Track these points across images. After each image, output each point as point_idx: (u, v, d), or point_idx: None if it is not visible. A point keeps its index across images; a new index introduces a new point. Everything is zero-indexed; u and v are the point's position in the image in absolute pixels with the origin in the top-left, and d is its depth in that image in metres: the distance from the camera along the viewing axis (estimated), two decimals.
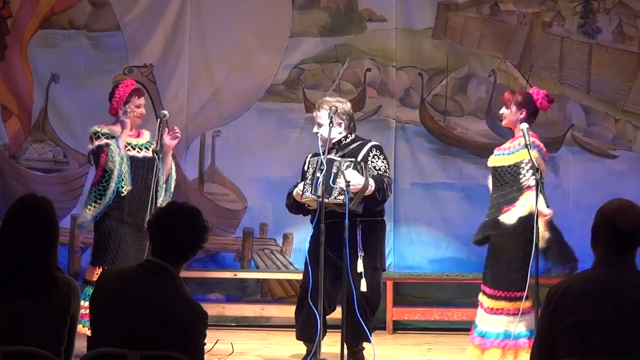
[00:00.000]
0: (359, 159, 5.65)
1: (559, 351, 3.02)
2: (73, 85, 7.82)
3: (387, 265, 7.61)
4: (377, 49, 7.74)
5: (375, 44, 7.74)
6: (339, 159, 5.63)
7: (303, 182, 5.69)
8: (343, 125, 5.79)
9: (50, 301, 3.25)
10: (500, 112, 5.71)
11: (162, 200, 5.86)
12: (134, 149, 5.93)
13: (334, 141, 5.73)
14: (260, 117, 7.77)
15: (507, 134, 7.55)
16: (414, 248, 7.70)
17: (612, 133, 7.64)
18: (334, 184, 5.53)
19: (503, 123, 5.72)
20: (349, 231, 5.42)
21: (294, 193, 5.74)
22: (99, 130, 5.91)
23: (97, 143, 5.88)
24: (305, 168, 5.80)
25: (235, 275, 7.68)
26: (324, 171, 5.44)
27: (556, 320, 3.03)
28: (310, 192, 5.56)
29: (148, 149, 5.97)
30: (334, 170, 5.55)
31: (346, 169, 5.54)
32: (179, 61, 7.78)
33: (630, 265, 3.10)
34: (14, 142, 7.87)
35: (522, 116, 5.59)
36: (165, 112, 5.87)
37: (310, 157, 5.82)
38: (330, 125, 5.59)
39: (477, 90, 7.73)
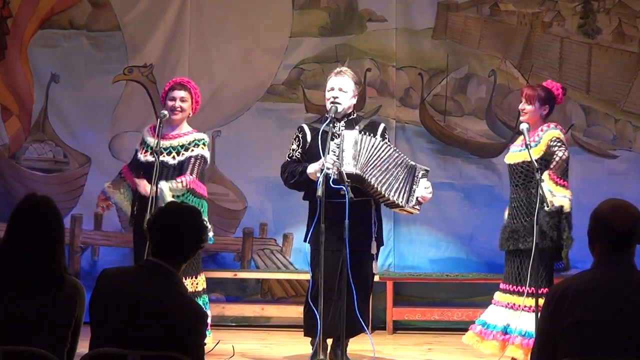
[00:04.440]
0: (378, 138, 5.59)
1: (559, 351, 3.02)
2: (73, 85, 7.81)
3: (387, 265, 7.64)
4: (377, 49, 7.74)
5: (375, 44, 7.74)
6: (417, 164, 5.67)
7: (326, 158, 5.39)
8: (355, 98, 5.76)
9: (55, 302, 3.24)
10: (521, 107, 5.57)
11: None
12: (165, 152, 5.86)
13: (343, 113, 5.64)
14: (260, 117, 7.77)
15: (508, 134, 7.59)
16: (414, 248, 7.69)
17: (612, 133, 7.64)
18: (410, 191, 5.55)
19: (524, 118, 5.52)
20: (363, 212, 5.38)
21: (314, 171, 5.49)
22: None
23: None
24: (310, 140, 5.65)
25: (235, 275, 7.67)
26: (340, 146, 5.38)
27: (556, 320, 3.03)
28: (353, 166, 5.37)
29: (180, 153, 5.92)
30: (412, 175, 5.59)
31: (422, 177, 5.62)
32: (179, 61, 7.77)
33: (629, 264, 3.10)
34: (14, 142, 7.86)
35: (545, 112, 5.52)
36: (165, 112, 5.86)
37: (309, 128, 5.71)
38: (332, 124, 5.52)
39: (477, 90, 7.73)
